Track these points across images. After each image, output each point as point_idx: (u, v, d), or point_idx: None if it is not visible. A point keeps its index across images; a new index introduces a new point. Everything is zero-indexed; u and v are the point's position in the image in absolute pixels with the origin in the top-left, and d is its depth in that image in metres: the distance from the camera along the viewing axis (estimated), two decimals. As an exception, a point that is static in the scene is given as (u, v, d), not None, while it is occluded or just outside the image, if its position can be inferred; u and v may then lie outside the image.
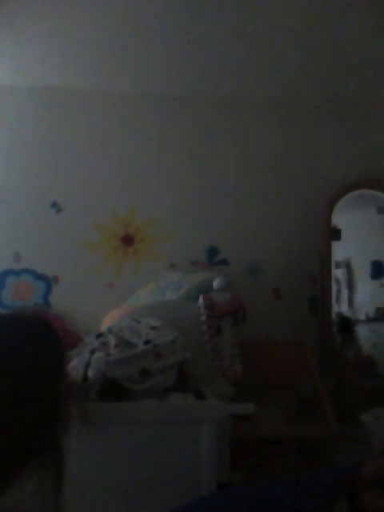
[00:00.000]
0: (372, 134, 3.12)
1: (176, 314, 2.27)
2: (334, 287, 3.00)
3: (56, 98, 3.03)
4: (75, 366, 1.87)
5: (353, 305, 3.10)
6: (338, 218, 2.99)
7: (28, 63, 2.78)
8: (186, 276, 2.63)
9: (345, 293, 3.11)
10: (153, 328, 1.94)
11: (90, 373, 1.78)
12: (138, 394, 1.76)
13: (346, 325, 3.04)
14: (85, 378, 1.78)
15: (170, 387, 1.82)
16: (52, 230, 2.97)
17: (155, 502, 1.53)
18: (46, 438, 0.99)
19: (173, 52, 2.66)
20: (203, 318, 2.25)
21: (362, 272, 3.09)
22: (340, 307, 3.07)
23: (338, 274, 3.07)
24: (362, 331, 3.05)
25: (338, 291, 3.07)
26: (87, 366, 1.80)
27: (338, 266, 3.06)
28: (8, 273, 2.92)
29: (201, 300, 2.33)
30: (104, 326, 2.36)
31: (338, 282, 3.07)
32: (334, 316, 2.96)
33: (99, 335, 1.94)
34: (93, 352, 1.84)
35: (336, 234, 2.96)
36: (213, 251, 3.01)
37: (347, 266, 3.11)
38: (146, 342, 1.84)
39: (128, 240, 3.01)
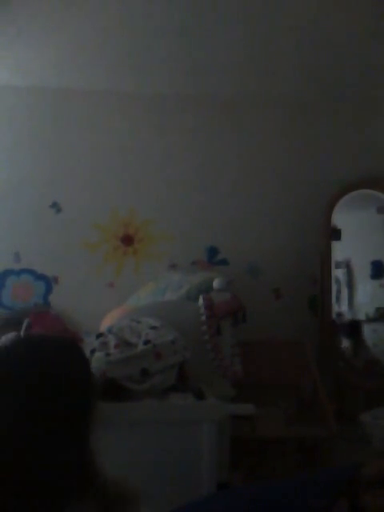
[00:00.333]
0: (372, 134, 3.12)
1: (176, 314, 2.26)
2: (334, 287, 3.00)
3: (56, 98, 3.03)
4: (75, 366, 1.87)
5: (353, 305, 3.10)
6: (338, 218, 2.99)
7: (28, 63, 2.77)
8: (186, 276, 2.63)
9: (345, 293, 3.10)
10: (153, 328, 1.94)
11: (90, 373, 1.78)
12: (138, 394, 1.76)
13: (355, 328, 3.01)
14: (85, 378, 1.78)
15: (170, 387, 1.82)
16: (52, 229, 2.96)
17: (155, 502, 1.53)
18: (78, 469, 0.95)
19: (173, 52, 2.66)
20: (203, 318, 2.25)
21: (362, 272, 3.08)
22: (340, 307, 3.07)
23: (338, 273, 3.07)
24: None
25: (338, 291, 3.07)
26: (87, 366, 1.80)
27: (338, 266, 3.05)
28: (8, 273, 2.92)
29: (201, 300, 2.33)
30: (104, 326, 2.36)
31: (338, 281, 3.06)
32: (334, 316, 2.96)
33: (99, 335, 1.94)
34: (93, 352, 1.84)
35: (336, 234, 2.96)
36: (213, 251, 3.01)
37: (347, 265, 3.11)
38: (146, 342, 1.84)
39: (128, 240, 3.01)
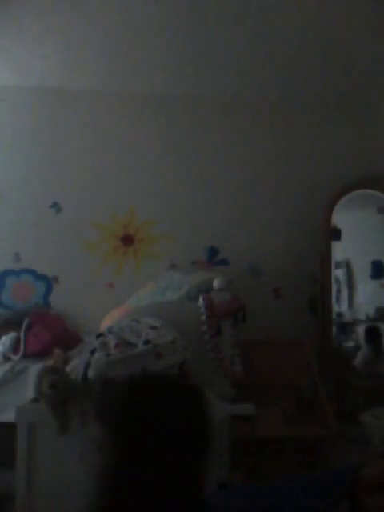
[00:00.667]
0: (372, 134, 3.12)
1: (176, 314, 2.27)
2: (334, 287, 3.00)
3: (56, 98, 3.03)
4: (75, 366, 1.87)
5: (353, 305, 3.10)
6: (338, 218, 2.99)
7: (28, 63, 2.77)
8: (186, 276, 2.63)
9: (345, 293, 3.10)
10: (153, 328, 1.95)
11: (90, 373, 1.78)
12: (138, 394, 1.76)
13: (376, 335, 2.98)
14: (85, 378, 1.78)
15: (170, 387, 1.82)
16: (52, 229, 2.96)
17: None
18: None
19: (173, 52, 2.66)
20: (203, 317, 2.25)
21: (362, 272, 3.08)
22: (340, 307, 3.07)
23: (338, 273, 3.07)
24: (362, 331, 3.05)
25: (338, 291, 3.07)
26: (87, 366, 1.80)
27: (338, 266, 3.06)
28: (8, 273, 2.92)
29: (201, 300, 2.33)
30: (104, 326, 2.36)
31: (338, 281, 3.06)
32: (332, 317, 2.96)
33: (99, 335, 1.94)
34: (93, 352, 1.84)
35: (336, 234, 2.96)
36: (213, 251, 3.01)
37: (347, 265, 3.11)
38: (146, 342, 1.84)
39: (128, 240, 3.01)
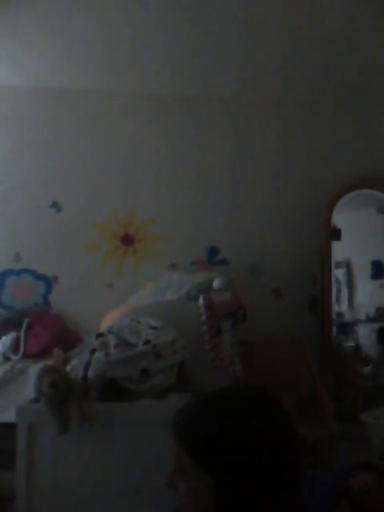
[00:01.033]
0: (372, 134, 3.12)
1: (176, 314, 2.27)
2: (334, 287, 3.00)
3: (56, 97, 3.03)
4: (75, 365, 1.87)
5: (353, 305, 3.10)
6: (338, 218, 2.99)
7: (28, 63, 2.77)
8: (186, 276, 2.63)
9: (345, 293, 3.11)
10: (153, 328, 1.95)
11: (90, 373, 1.78)
12: (138, 394, 1.76)
13: None
14: (85, 377, 1.78)
15: (170, 387, 1.82)
16: (52, 230, 2.97)
17: (155, 502, 1.53)
18: None
19: (173, 52, 2.66)
20: (203, 317, 2.25)
21: (362, 272, 3.08)
22: (340, 307, 3.07)
23: (338, 273, 3.07)
24: (362, 331, 3.05)
25: (338, 291, 3.07)
26: (87, 365, 1.80)
27: (338, 266, 3.06)
28: (8, 273, 2.92)
29: (201, 300, 2.33)
30: (104, 326, 2.36)
31: (338, 281, 3.07)
32: (332, 317, 2.96)
33: (99, 335, 1.94)
34: (93, 352, 1.84)
35: (336, 233, 2.96)
36: (213, 251, 3.01)
37: (347, 265, 3.11)
38: (146, 342, 1.84)
39: (128, 240, 3.01)
